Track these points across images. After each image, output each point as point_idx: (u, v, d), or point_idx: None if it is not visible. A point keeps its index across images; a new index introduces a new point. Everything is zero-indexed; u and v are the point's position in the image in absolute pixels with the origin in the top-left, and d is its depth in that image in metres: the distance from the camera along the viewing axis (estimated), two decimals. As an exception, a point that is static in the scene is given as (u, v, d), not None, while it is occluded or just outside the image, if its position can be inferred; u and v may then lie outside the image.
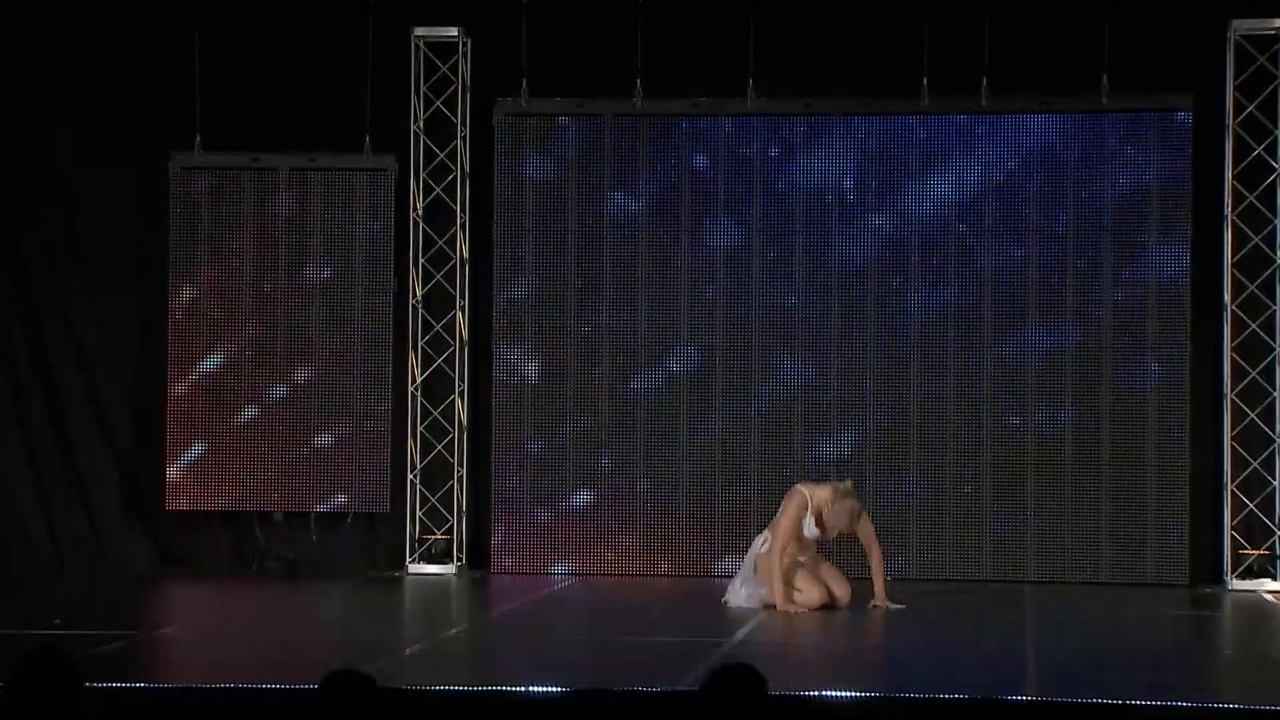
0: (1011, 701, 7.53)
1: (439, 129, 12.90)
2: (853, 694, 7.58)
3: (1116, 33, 12.25)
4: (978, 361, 12.46)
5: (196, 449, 12.87)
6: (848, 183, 12.61)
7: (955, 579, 12.35)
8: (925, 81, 12.38)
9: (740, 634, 9.95)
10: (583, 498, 12.67)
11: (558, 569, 12.65)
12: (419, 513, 12.86)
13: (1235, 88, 12.23)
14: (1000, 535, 12.41)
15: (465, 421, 12.91)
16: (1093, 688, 7.98)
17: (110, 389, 13.14)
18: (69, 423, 13.09)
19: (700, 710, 5.09)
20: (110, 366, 13.15)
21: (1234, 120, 12.25)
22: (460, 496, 12.87)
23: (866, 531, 11.01)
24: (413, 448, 12.85)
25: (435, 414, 12.88)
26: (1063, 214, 12.44)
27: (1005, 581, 12.27)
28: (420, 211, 12.91)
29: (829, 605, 10.86)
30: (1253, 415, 12.25)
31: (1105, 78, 12.29)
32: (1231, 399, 12.25)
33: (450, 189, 12.91)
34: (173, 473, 12.88)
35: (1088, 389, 12.39)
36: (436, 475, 12.90)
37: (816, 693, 7.56)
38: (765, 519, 12.39)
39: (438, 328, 12.91)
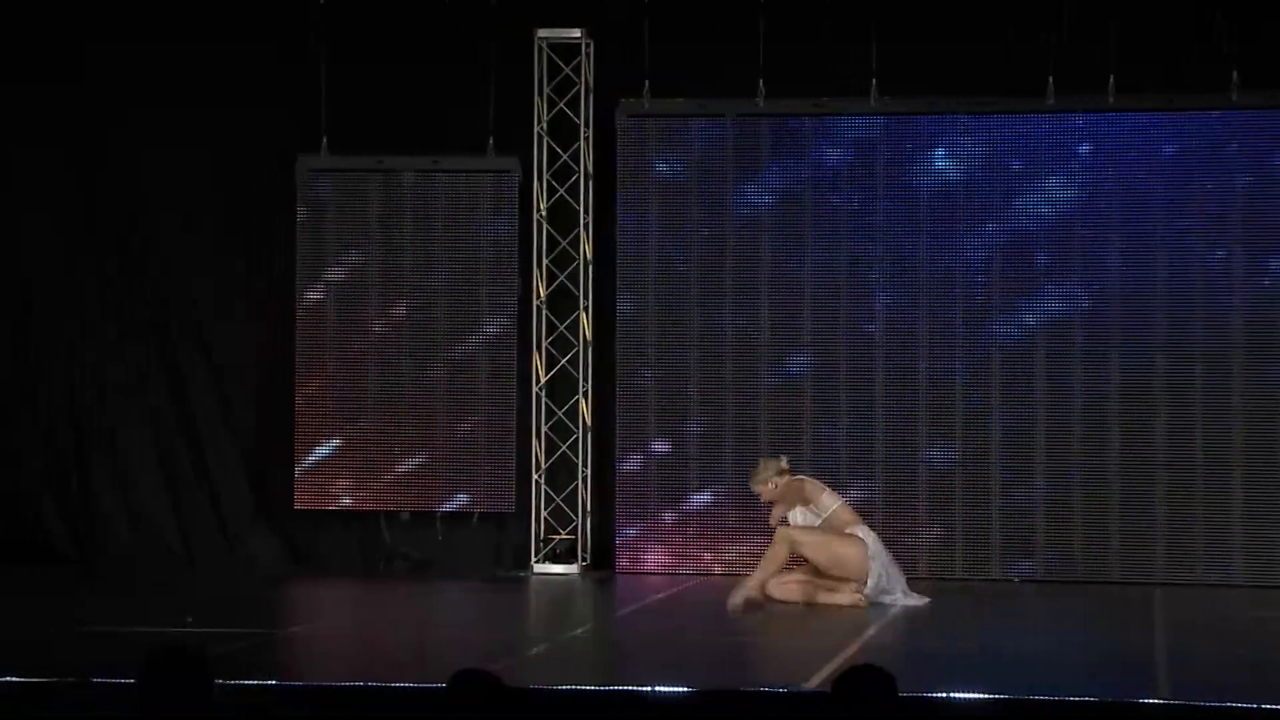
0: (1144, 704, 7.44)
1: (562, 130, 12.94)
2: (982, 696, 7.52)
3: (1244, 31, 12.07)
4: (1105, 362, 12.32)
5: (324, 449, 12.99)
6: (972, 183, 12.52)
7: (1083, 581, 12.23)
8: (1051, 80, 12.26)
9: (868, 634, 9.90)
10: (706, 497, 12.66)
11: (682, 568, 12.65)
12: (544, 512, 12.90)
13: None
14: (1129, 536, 12.27)
15: (589, 421, 12.93)
16: (1225, 692, 7.87)
17: (239, 390, 13.29)
18: (199, 424, 13.25)
19: (830, 711, 5.07)
20: (239, 368, 13.29)
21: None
22: (585, 496, 12.90)
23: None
24: (537, 448, 12.89)
25: (559, 414, 12.92)
26: (1190, 214, 12.29)
27: (1134, 583, 12.14)
28: (544, 213, 12.96)
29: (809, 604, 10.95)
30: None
31: (1235, 74, 12.12)
32: (1365, 398, 12.06)
33: (573, 190, 12.94)
34: (301, 473, 13.00)
35: (1218, 389, 12.23)
36: (561, 475, 12.94)
37: (946, 694, 7.50)
38: (890, 518, 12.36)
39: (561, 328, 12.95)
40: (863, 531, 11.08)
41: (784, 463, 11.27)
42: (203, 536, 13.22)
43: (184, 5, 13.16)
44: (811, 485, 11.16)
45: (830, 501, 11.09)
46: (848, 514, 11.11)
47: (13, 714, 7.44)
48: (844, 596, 10.94)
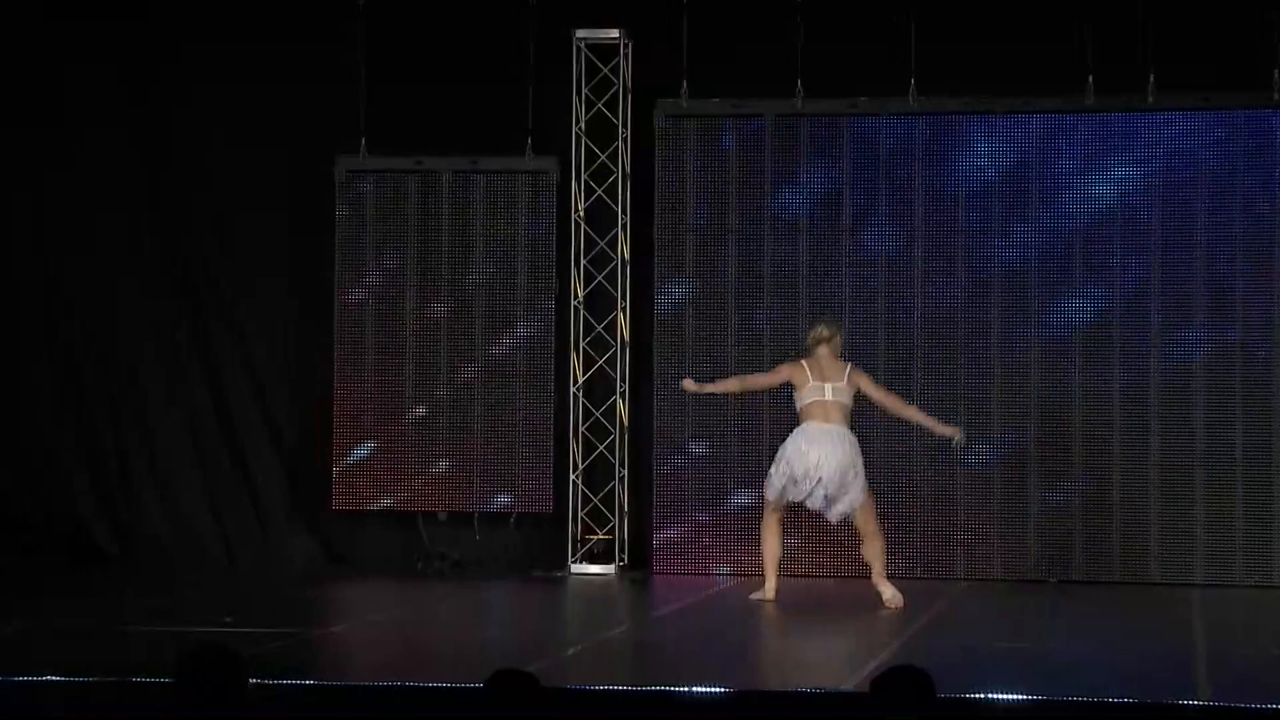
0: (1185, 706, 7.41)
1: (600, 130, 12.94)
2: (1021, 697, 7.50)
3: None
4: (1143, 362, 12.27)
5: (362, 449, 13.02)
6: (1010, 182, 12.48)
7: (1121, 582, 12.18)
8: (1090, 79, 12.22)
9: (905, 635, 9.88)
10: (744, 498, 12.64)
11: (719, 569, 12.64)
12: (581, 513, 12.90)
13: None
14: (1168, 537, 12.22)
15: (627, 422, 12.94)
16: (1268, 693, 7.83)
17: (277, 390, 13.33)
18: (237, 423, 13.30)
19: (868, 712, 5.06)
20: (277, 368, 13.34)
21: None
22: (622, 497, 12.90)
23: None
24: (575, 448, 12.90)
25: (597, 414, 12.92)
26: (1230, 213, 12.23)
27: (1173, 584, 12.09)
28: (581, 213, 12.96)
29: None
30: None
31: (1277, 73, 12.06)
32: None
33: (611, 190, 12.95)
34: (339, 473, 13.03)
35: (1257, 388, 12.17)
36: (598, 475, 12.94)
37: (984, 695, 7.48)
38: (925, 518, 12.34)
39: (599, 329, 12.95)
40: (797, 436, 10.94)
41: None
42: (242, 536, 13.27)
43: (216, 3, 13.20)
44: (850, 372, 11.01)
45: (834, 390, 10.94)
46: (814, 410, 10.93)
47: (53, 713, 7.47)
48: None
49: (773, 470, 11.05)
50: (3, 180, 13.27)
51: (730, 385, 11.50)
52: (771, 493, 11.05)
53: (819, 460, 10.76)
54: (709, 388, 11.43)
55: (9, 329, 13.33)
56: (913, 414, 11.27)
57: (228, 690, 5.12)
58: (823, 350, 11.04)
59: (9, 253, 13.35)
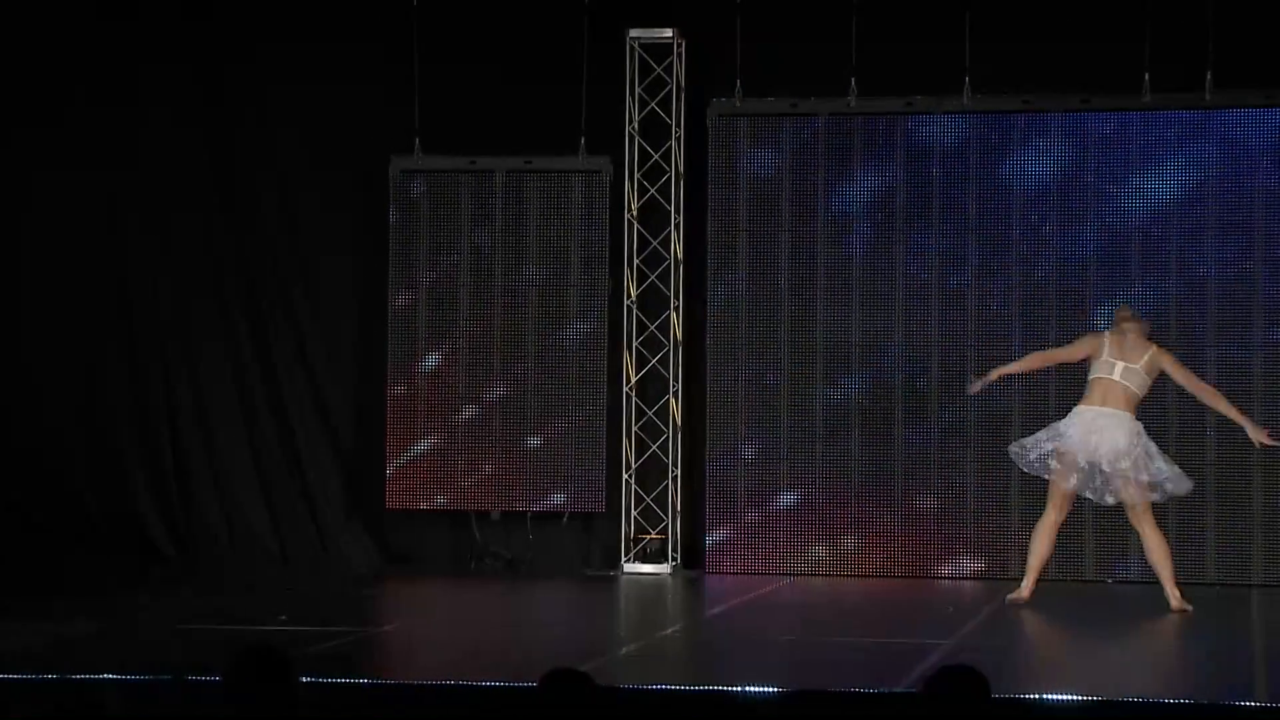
0: (1241, 708, 7.36)
1: (654, 130, 12.94)
2: (1075, 697, 7.47)
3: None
4: (1200, 359, 12.19)
5: (416, 449, 13.05)
6: (1065, 181, 12.43)
7: (1178, 582, 12.09)
8: (1147, 77, 12.15)
9: (959, 635, 9.85)
10: (797, 498, 12.63)
11: (772, 569, 12.62)
12: (634, 512, 12.91)
13: None
14: (1225, 537, 12.15)
15: (680, 421, 12.94)
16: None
17: (333, 390, 13.37)
18: (293, 424, 13.34)
19: (921, 712, 5.05)
20: (332, 368, 13.38)
21: None
22: (675, 496, 12.90)
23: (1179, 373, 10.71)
24: (628, 447, 12.91)
25: (650, 414, 12.93)
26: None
27: (1230, 584, 12.01)
28: (635, 212, 12.97)
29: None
30: None
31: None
32: None
33: (665, 190, 12.95)
34: (393, 473, 13.06)
35: (1315, 388, 12.09)
36: (651, 475, 12.94)
37: (1037, 695, 7.46)
38: (979, 518, 12.30)
39: (652, 328, 12.96)
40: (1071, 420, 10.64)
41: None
42: (297, 535, 13.31)
43: (276, 3, 13.26)
44: (1152, 354, 10.64)
45: (1124, 371, 10.61)
46: (1095, 388, 10.62)
47: (111, 711, 7.51)
48: None
49: (1053, 462, 10.58)
50: (78, 180, 13.32)
51: (1032, 362, 11.07)
52: (1074, 478, 10.53)
53: (1097, 444, 10.43)
54: (1006, 370, 10.98)
55: (81, 328, 13.39)
56: (1224, 406, 10.79)
57: (277, 690, 5.15)
58: (1129, 328, 10.63)
59: (84, 251, 13.38)
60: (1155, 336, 12.08)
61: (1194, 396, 10.96)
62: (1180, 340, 12.22)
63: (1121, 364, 10.58)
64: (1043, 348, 11.49)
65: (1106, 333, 10.79)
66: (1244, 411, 10.93)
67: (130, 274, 13.41)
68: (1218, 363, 12.19)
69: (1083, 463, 10.53)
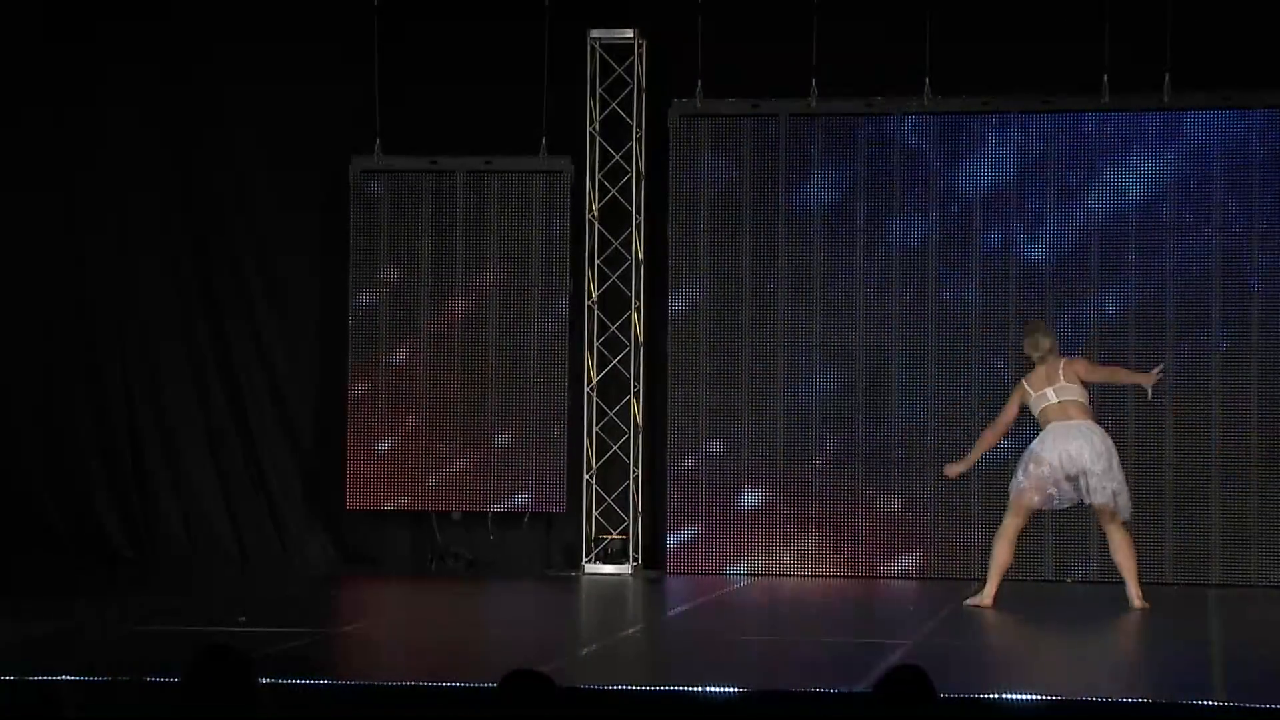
0: (1198, 707, 7.39)
1: (615, 130, 12.94)
2: (1033, 697, 7.49)
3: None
4: (1160, 360, 12.23)
5: (377, 449, 13.03)
6: (1025, 181, 12.47)
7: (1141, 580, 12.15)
8: (1106, 79, 12.20)
9: (919, 635, 9.87)
10: (758, 498, 12.64)
11: (733, 569, 12.64)
12: (595, 513, 12.91)
13: None
14: (1183, 537, 12.20)
15: (641, 422, 12.94)
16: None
17: (292, 390, 13.34)
18: (253, 424, 13.31)
19: (870, 712, 5.07)
20: (292, 368, 13.35)
21: None
22: (636, 497, 12.90)
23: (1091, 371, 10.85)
24: (589, 448, 12.91)
25: (611, 414, 12.93)
26: (1246, 213, 12.21)
27: (1188, 585, 12.06)
28: (596, 213, 12.97)
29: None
30: None
31: (1291, 71, 12.06)
32: None
33: (626, 190, 12.95)
34: (353, 473, 13.04)
35: (1272, 388, 12.15)
36: (612, 475, 12.95)
37: (990, 695, 7.48)
38: (940, 518, 12.33)
39: (613, 329, 12.96)
40: (1046, 437, 10.71)
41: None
42: (256, 536, 13.28)
43: (234, 3, 13.22)
44: (1064, 366, 10.75)
45: (1057, 391, 10.70)
46: (1051, 413, 10.71)
47: (68, 712, 7.48)
48: None
49: (1022, 475, 10.68)
50: (36, 180, 13.26)
51: (987, 440, 11.03)
52: (1037, 497, 10.65)
53: (1077, 451, 10.52)
54: (972, 459, 11.06)
55: (39, 329, 13.33)
56: (1124, 375, 11.15)
57: (236, 691, 5.14)
58: (1046, 355, 10.77)
59: (41, 251, 13.32)
60: (1120, 337, 12.18)
61: (1120, 388, 11.09)
62: (1140, 339, 12.28)
63: (1052, 388, 10.73)
64: (991, 422, 11.22)
65: (1023, 379, 10.88)
66: (1136, 369, 11.15)
67: (89, 274, 13.36)
68: (1176, 363, 12.24)
69: (1051, 488, 10.62)
